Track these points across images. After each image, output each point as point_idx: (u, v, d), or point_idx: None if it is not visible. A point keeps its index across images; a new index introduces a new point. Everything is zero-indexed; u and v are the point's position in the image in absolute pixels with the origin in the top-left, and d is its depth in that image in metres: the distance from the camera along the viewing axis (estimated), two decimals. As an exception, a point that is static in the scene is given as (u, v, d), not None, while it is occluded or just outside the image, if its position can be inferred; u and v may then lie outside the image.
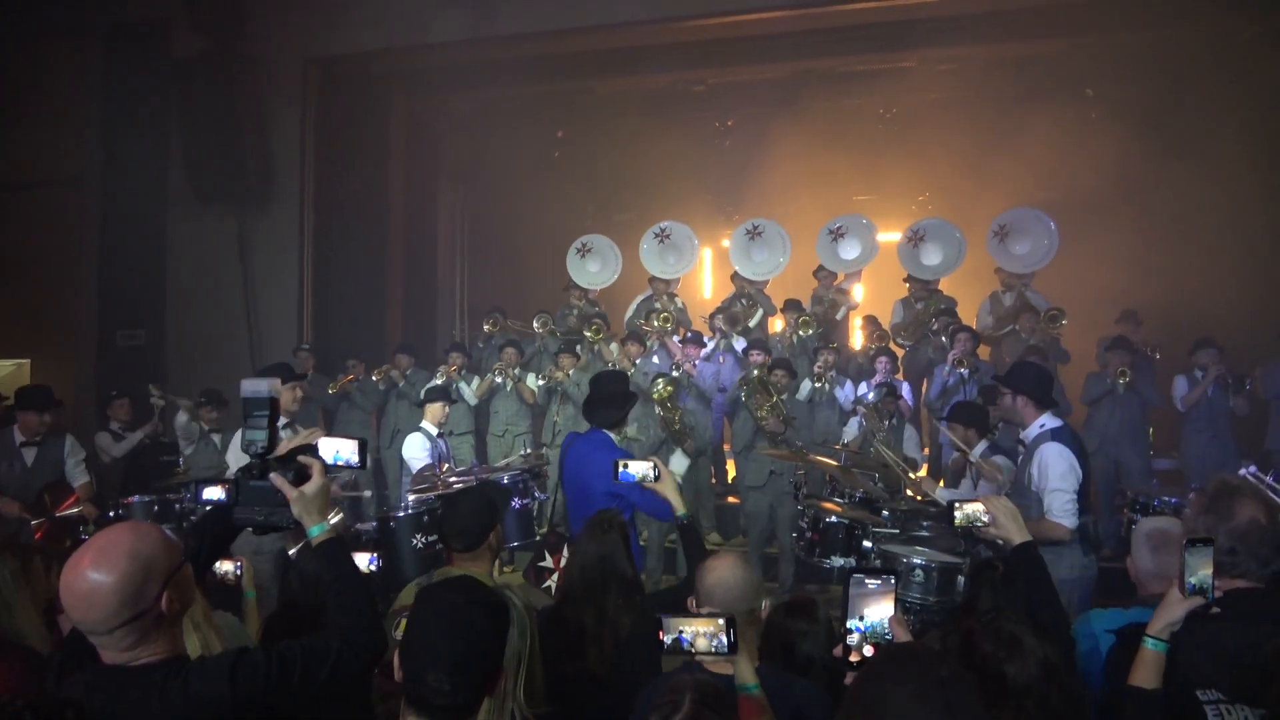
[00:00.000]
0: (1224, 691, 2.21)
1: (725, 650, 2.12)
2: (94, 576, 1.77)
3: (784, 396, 7.33)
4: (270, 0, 9.43)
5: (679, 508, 3.34)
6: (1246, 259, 9.52)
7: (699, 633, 2.13)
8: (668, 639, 2.13)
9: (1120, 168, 10.34)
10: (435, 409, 7.11)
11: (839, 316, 9.35)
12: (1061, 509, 4.15)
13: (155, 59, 9.60)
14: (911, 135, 11.37)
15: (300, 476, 2.19)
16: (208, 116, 9.18)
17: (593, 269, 10.03)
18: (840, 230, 9.44)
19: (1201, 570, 2.21)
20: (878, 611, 2.06)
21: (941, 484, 6.24)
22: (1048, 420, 4.37)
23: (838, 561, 5.38)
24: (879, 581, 2.09)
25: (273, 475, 2.18)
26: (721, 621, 2.13)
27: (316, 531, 2.15)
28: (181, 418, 7.51)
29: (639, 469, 3.36)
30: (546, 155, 12.46)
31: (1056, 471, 4.17)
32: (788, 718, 2.30)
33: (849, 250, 9.45)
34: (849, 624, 2.05)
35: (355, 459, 2.38)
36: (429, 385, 7.90)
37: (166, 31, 9.58)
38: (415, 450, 6.87)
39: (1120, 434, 7.69)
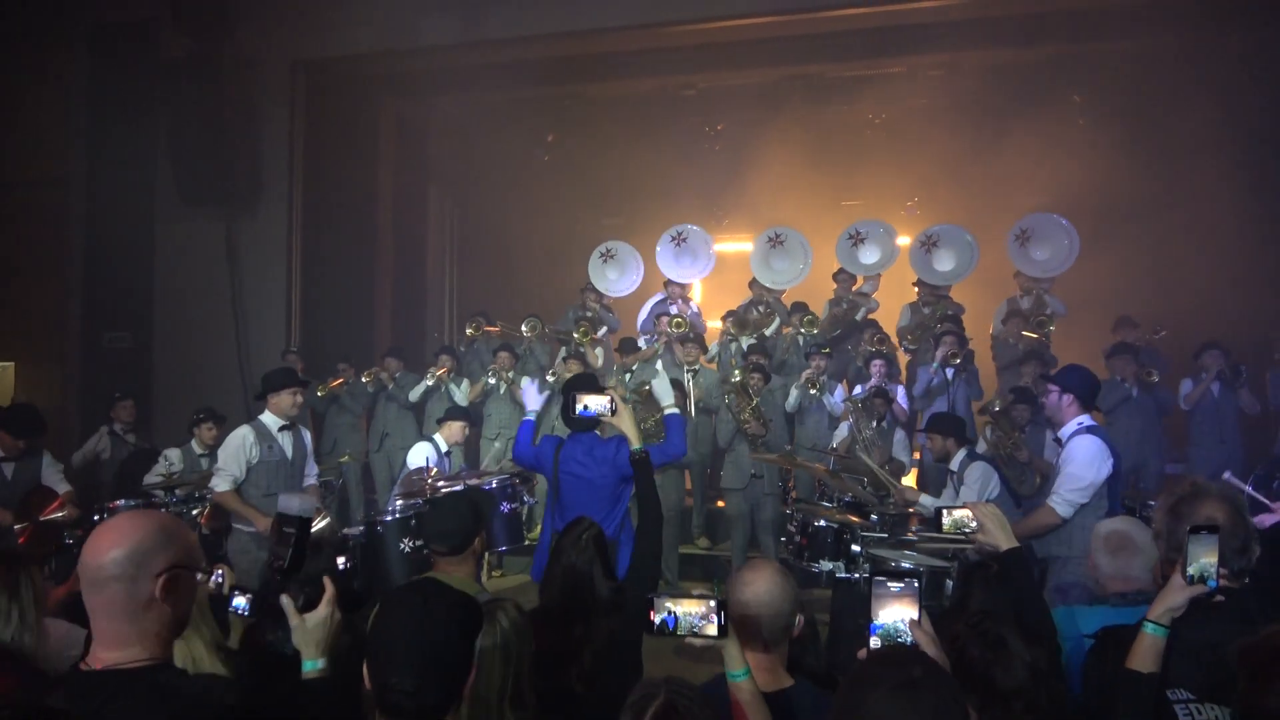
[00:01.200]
0: (1193, 691, 2.22)
1: (715, 634, 2.09)
2: (126, 523, 1.90)
3: (757, 400, 7.34)
4: (258, 2, 9.40)
5: (634, 441, 3.38)
6: (1238, 263, 9.57)
7: (689, 614, 2.08)
8: (656, 619, 2.09)
9: (1108, 173, 10.39)
10: (455, 428, 7.00)
11: (859, 318, 9.33)
12: (1063, 496, 4.22)
13: (142, 60, 9.58)
14: (900, 140, 11.41)
15: (309, 603, 2.12)
16: (195, 118, 9.13)
17: (611, 275, 10.01)
18: (860, 235, 9.45)
19: (1204, 558, 2.20)
20: (894, 614, 2.04)
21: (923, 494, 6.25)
22: (1085, 419, 4.49)
23: (826, 565, 5.39)
24: (901, 584, 2.06)
25: (283, 597, 2.12)
26: (713, 603, 2.08)
27: (309, 666, 2.07)
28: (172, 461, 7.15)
29: (597, 404, 3.37)
30: (536, 159, 12.45)
31: (1082, 457, 4.26)
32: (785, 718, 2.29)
33: (868, 255, 9.45)
34: (871, 626, 2.04)
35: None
36: (451, 405, 7.82)
37: (153, 32, 9.55)
38: (419, 459, 6.78)
39: (1143, 439, 7.70)
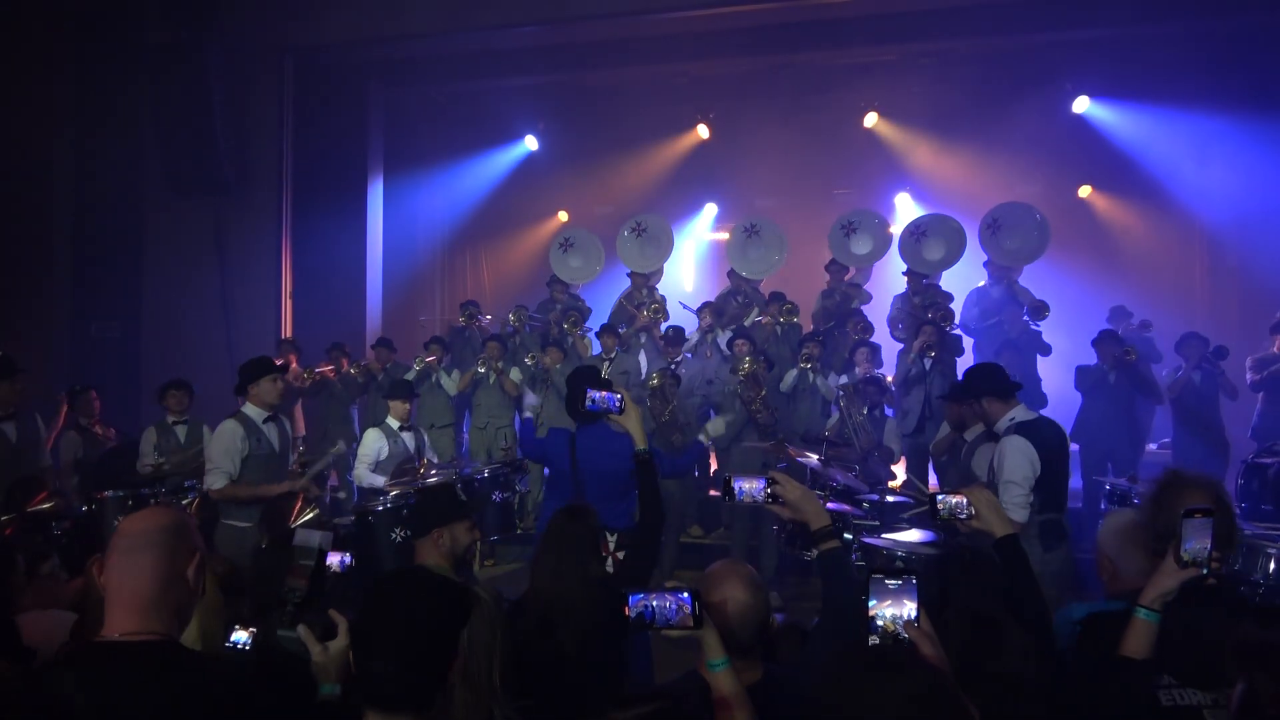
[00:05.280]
0: (1174, 676, 2.21)
1: (690, 625, 2.10)
2: (161, 509, 2.13)
3: (766, 389, 7.36)
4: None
5: (639, 441, 3.38)
6: (1235, 253, 9.62)
7: (664, 606, 2.10)
8: (632, 613, 2.10)
9: (1103, 161, 10.41)
10: (398, 407, 6.78)
11: (852, 308, 9.30)
12: (1012, 502, 4.18)
13: (128, 45, 9.46)
14: (892, 129, 11.39)
15: (327, 633, 2.14)
16: (182, 105, 9.04)
17: (575, 264, 9.96)
18: (852, 225, 9.42)
19: (1198, 541, 2.20)
20: (891, 612, 2.03)
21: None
22: (1018, 413, 4.46)
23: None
24: (899, 582, 2.05)
25: (300, 628, 2.15)
26: (686, 594, 2.11)
27: (326, 690, 2.10)
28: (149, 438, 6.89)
29: (606, 401, 3.39)
30: (526, 147, 12.39)
31: (1011, 464, 4.23)
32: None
33: (860, 245, 9.44)
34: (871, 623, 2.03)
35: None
36: (392, 380, 7.76)
37: (139, 18, 9.44)
38: (366, 447, 6.61)
39: (1115, 425, 7.76)
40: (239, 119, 9.48)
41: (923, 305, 8.81)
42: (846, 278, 9.44)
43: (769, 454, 6.75)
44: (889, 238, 9.48)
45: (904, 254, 9.05)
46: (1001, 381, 4.55)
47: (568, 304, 9.66)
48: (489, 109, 11.78)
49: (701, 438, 5.74)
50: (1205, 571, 2.20)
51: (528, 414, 5.10)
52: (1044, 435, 4.32)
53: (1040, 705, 2.09)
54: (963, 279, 9.54)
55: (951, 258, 8.95)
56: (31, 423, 6.30)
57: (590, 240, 10.01)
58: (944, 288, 9.10)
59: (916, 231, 9.04)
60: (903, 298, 9.11)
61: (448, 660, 1.83)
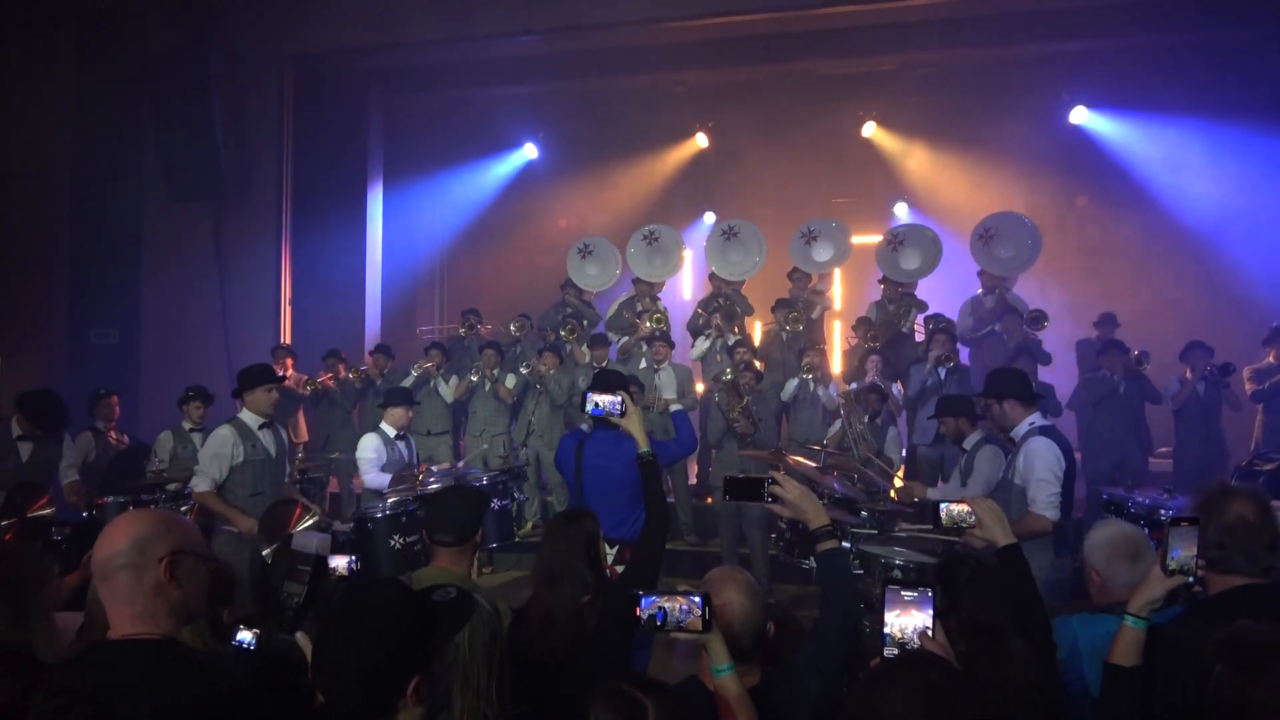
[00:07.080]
0: None
1: (700, 629, 2.12)
2: (128, 518, 2.09)
3: (750, 399, 7.32)
4: (247, -5, 9.36)
5: (642, 444, 3.35)
6: (1225, 264, 9.64)
7: (675, 609, 2.12)
8: (644, 615, 2.11)
9: (1100, 171, 10.45)
10: (398, 413, 6.75)
11: (814, 316, 9.36)
12: (1046, 501, 4.20)
13: (129, 52, 9.49)
14: (891, 138, 11.44)
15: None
16: (183, 112, 9.06)
17: (591, 271, 9.93)
18: (813, 234, 9.50)
19: (1184, 550, 2.21)
20: (906, 623, 2.04)
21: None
22: (1036, 419, 4.50)
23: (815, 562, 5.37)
24: (915, 594, 2.06)
25: (299, 635, 2.16)
26: (697, 599, 2.12)
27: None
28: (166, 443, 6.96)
29: (607, 403, 3.38)
30: (526, 156, 12.42)
31: (1043, 463, 4.23)
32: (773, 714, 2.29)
33: (821, 253, 9.50)
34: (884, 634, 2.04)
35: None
36: (390, 388, 7.75)
37: (140, 24, 9.47)
38: (366, 451, 6.59)
39: (1126, 435, 7.76)
40: (239, 126, 9.50)
41: (897, 313, 8.87)
42: (809, 285, 9.51)
43: (766, 462, 6.75)
44: (849, 246, 9.56)
45: (880, 262, 9.12)
46: (1026, 387, 4.58)
47: (579, 309, 9.65)
48: (489, 117, 11.81)
49: (674, 407, 5.21)
50: (1191, 580, 2.23)
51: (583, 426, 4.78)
52: (1062, 441, 4.37)
53: (1041, 713, 2.10)
54: (950, 287, 9.59)
55: (927, 268, 9.01)
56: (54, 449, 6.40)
57: (609, 250, 9.99)
58: (929, 296, 9.17)
59: (894, 240, 9.11)
60: (878, 305, 9.19)
61: (400, 676, 1.78)
